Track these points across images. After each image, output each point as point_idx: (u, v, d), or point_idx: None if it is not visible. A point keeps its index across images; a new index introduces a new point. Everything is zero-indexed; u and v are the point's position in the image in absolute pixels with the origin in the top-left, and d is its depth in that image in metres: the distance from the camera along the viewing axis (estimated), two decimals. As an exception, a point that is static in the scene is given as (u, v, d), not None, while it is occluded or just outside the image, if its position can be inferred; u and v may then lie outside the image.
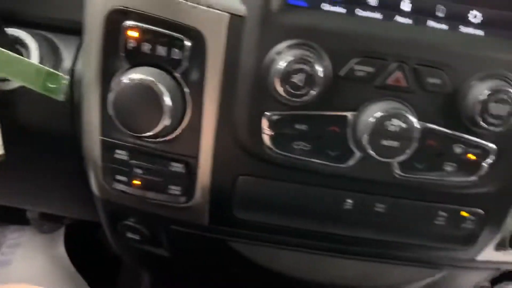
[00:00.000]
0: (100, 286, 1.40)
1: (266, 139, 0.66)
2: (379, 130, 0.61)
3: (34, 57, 0.74)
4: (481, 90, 0.60)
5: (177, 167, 0.70)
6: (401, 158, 0.62)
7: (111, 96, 0.63)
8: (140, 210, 0.80)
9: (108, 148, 0.71)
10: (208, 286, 1.13)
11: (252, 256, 0.81)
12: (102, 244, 1.39)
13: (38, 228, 1.35)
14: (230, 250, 0.82)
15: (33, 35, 0.74)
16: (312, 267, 0.83)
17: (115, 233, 0.89)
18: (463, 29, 0.62)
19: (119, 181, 0.73)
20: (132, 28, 0.63)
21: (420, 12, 0.62)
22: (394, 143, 0.61)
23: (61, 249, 1.40)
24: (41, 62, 0.73)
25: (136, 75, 0.63)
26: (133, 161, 0.71)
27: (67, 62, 0.75)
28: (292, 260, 0.82)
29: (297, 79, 0.59)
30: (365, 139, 0.61)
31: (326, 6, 0.62)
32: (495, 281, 0.90)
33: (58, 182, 0.92)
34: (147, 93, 0.62)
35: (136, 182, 0.72)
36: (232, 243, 0.81)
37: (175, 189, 0.72)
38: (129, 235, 0.86)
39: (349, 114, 0.64)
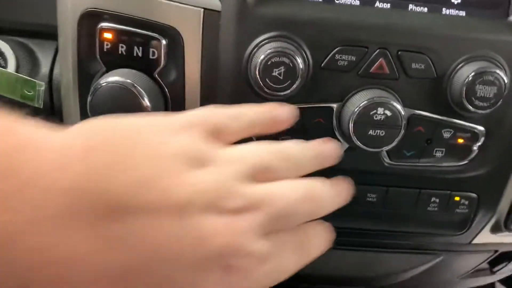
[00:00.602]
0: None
1: (251, 135, 0.64)
2: (364, 119, 0.59)
3: (11, 64, 0.72)
4: (466, 73, 0.59)
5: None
6: (389, 147, 0.61)
7: (89, 100, 0.62)
8: None
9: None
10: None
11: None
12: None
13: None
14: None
15: (7, 42, 0.73)
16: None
17: None
18: (445, 10, 0.61)
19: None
20: (106, 30, 0.62)
21: (400, -4, 0.61)
22: (381, 132, 0.60)
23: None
24: (17, 69, 0.72)
25: (114, 77, 0.61)
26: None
27: (44, 68, 0.74)
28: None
29: (278, 72, 0.58)
30: (350, 129, 0.60)
31: (303, -4, 0.61)
32: (493, 262, 0.90)
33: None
34: (126, 95, 0.61)
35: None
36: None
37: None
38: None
39: (334, 105, 0.63)
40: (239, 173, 0.47)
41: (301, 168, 0.53)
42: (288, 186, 0.49)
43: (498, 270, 0.91)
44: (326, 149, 0.58)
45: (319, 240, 0.56)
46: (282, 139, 0.64)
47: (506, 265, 0.88)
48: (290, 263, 0.51)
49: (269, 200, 0.46)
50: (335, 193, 0.56)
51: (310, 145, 0.57)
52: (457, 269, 0.89)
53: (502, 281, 1.27)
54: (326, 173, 0.68)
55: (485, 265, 0.91)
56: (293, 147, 0.54)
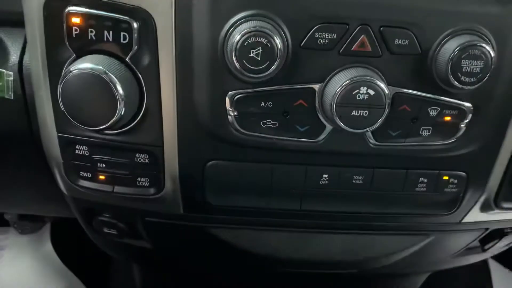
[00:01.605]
0: (92, 281, 1.39)
1: (231, 120, 0.62)
2: (347, 100, 0.57)
3: (-21, 54, 0.69)
4: (451, 48, 0.56)
5: (142, 157, 0.66)
6: (373, 127, 0.59)
7: (59, 89, 0.59)
8: (112, 205, 0.76)
9: (67, 144, 0.67)
10: (197, 274, 1.11)
11: (233, 240, 0.79)
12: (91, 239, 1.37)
13: (21, 229, 1.32)
14: (210, 237, 0.79)
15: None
16: (297, 245, 0.80)
17: (92, 230, 0.86)
18: (429, -17, 0.58)
19: (84, 178, 0.70)
20: (74, 14, 0.58)
21: (381, -31, 0.58)
22: (364, 112, 0.57)
23: (48, 247, 1.38)
24: (-15, 59, 0.68)
25: (84, 64, 0.58)
26: (96, 156, 0.67)
27: (13, 56, 0.70)
28: (276, 240, 0.79)
29: (255, 53, 0.55)
30: (333, 110, 0.58)
31: (280, -28, 0.58)
32: (484, 240, 0.89)
33: (27, 182, 0.88)
34: (98, 83, 0.58)
35: (101, 177, 0.69)
36: (211, 229, 0.78)
37: (143, 181, 0.69)
38: (106, 230, 0.84)
39: (315, 86, 0.60)
40: None
41: None
42: None
43: (489, 248, 0.90)
44: None
45: None
46: (264, 124, 0.63)
47: (497, 242, 0.87)
48: None
49: None
50: None
51: None
52: (448, 248, 0.88)
53: (496, 257, 1.28)
54: (311, 156, 0.67)
55: (476, 243, 0.90)
56: None
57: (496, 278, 1.34)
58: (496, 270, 1.36)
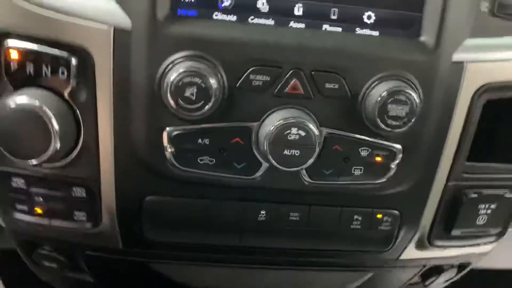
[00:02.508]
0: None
1: (169, 156, 0.63)
2: (279, 139, 0.59)
3: None
4: (379, 92, 0.59)
5: (79, 191, 0.66)
6: (305, 166, 0.60)
7: None
8: (51, 238, 0.75)
9: (3, 177, 0.66)
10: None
11: (174, 276, 0.79)
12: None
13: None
14: (151, 271, 0.78)
15: None
16: (237, 281, 0.80)
17: (32, 263, 0.84)
18: (358, 30, 0.62)
19: (20, 211, 0.69)
20: (12, 49, 0.59)
21: (314, 16, 0.61)
22: (296, 152, 0.59)
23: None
24: None
25: (21, 98, 0.58)
26: (32, 189, 0.67)
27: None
28: (216, 276, 0.79)
29: (190, 92, 0.57)
30: (266, 149, 0.59)
31: (217, 15, 0.60)
32: (425, 276, 0.91)
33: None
34: (33, 117, 0.58)
35: (38, 210, 0.68)
36: (152, 264, 0.77)
37: (80, 215, 0.68)
38: (46, 263, 0.82)
39: (252, 125, 0.62)
40: None
41: None
42: None
43: (430, 284, 0.92)
44: None
45: None
46: (201, 160, 0.64)
47: (435, 279, 0.89)
48: None
49: None
50: None
51: None
52: (390, 284, 0.90)
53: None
54: (249, 193, 0.68)
55: (417, 279, 0.92)
56: None
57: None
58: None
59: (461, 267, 0.90)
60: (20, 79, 0.60)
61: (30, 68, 0.59)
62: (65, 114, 0.60)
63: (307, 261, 0.78)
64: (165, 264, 0.77)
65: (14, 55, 0.59)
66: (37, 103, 0.58)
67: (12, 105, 0.58)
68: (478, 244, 0.80)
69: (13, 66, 0.60)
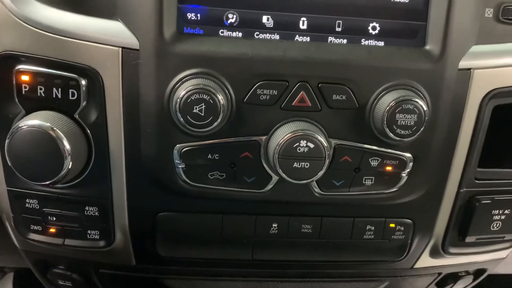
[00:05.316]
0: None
1: (179, 172, 0.63)
2: (288, 152, 0.59)
3: None
4: (386, 102, 0.59)
5: (91, 210, 0.67)
6: (315, 178, 0.60)
7: (6, 144, 0.59)
8: (65, 257, 0.76)
9: (17, 198, 0.67)
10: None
11: (188, 291, 0.78)
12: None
13: (-20, 281, 1.28)
14: (165, 287, 0.78)
15: None
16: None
17: (47, 282, 0.85)
18: (364, 41, 0.62)
19: (34, 231, 0.69)
20: (24, 72, 0.60)
21: (319, 29, 0.61)
22: (305, 164, 0.59)
23: (10, 298, 1.34)
24: None
25: (33, 121, 0.59)
26: (46, 209, 0.67)
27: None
28: (230, 290, 0.79)
29: (198, 109, 0.57)
30: (276, 162, 0.59)
31: (223, 32, 0.61)
32: (441, 284, 0.90)
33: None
34: (45, 139, 0.59)
35: (52, 230, 0.69)
36: (165, 280, 0.77)
37: (93, 234, 0.69)
38: (61, 282, 0.82)
39: (260, 139, 0.62)
40: None
41: None
42: None
43: (446, 291, 0.91)
44: None
45: None
46: (211, 175, 0.64)
47: (452, 286, 0.88)
48: None
49: None
50: None
51: None
52: (405, 293, 0.89)
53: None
54: (260, 206, 0.68)
55: (434, 287, 0.91)
56: None
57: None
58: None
59: (477, 273, 0.89)
60: (31, 101, 0.61)
61: (41, 90, 0.61)
62: (76, 135, 0.61)
63: (320, 273, 0.77)
64: (178, 279, 0.77)
65: (25, 78, 0.60)
66: (48, 125, 0.59)
67: (25, 128, 0.59)
68: (493, 250, 0.79)
69: (24, 88, 0.61)
